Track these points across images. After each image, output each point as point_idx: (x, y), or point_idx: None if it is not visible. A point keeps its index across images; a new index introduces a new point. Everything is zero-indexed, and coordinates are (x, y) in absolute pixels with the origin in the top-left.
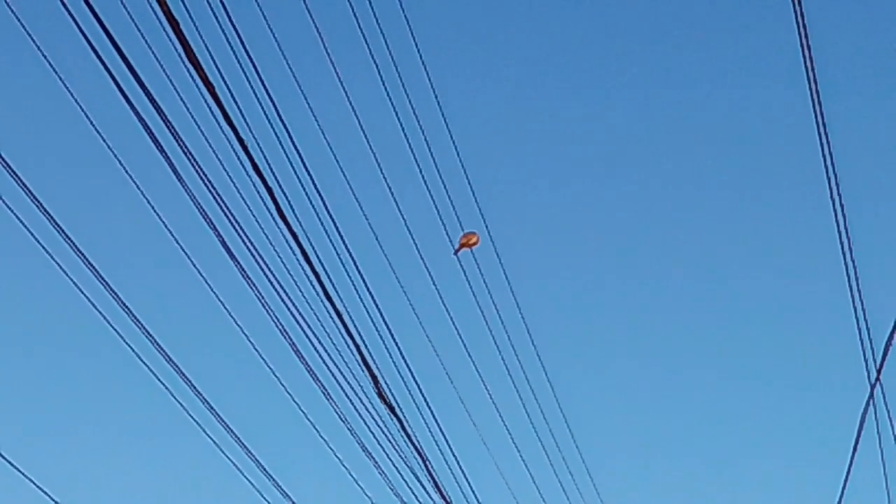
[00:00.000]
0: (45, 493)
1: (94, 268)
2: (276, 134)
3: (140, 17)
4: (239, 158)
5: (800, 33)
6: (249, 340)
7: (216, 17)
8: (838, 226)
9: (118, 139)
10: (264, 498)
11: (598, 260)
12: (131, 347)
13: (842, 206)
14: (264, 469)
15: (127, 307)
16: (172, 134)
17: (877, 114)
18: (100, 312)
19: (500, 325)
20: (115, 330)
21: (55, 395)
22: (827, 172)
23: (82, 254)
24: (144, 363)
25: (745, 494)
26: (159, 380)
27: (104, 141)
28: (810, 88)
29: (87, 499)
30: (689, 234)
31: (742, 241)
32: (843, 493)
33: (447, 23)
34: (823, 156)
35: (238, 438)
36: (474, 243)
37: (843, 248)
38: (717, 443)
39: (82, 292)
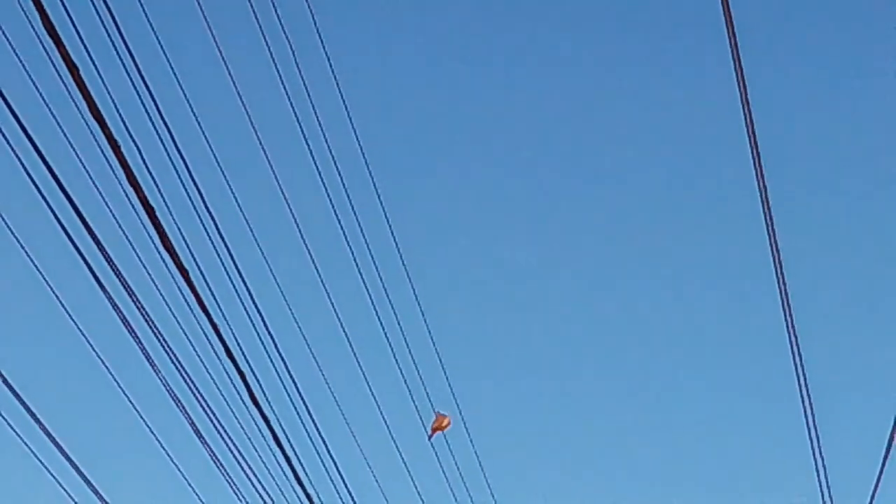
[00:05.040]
0: None
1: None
2: (250, 318)
3: (117, 207)
4: (211, 343)
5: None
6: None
7: (192, 204)
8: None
9: (91, 323)
10: None
11: (572, 439)
12: None
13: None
14: None
15: None
16: (145, 318)
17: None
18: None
19: None
20: None
21: None
22: (798, 379)
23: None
24: None
25: None
26: None
27: (75, 323)
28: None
29: None
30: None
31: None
32: None
33: (424, 206)
34: (795, 365)
35: None
36: (447, 426)
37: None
38: None
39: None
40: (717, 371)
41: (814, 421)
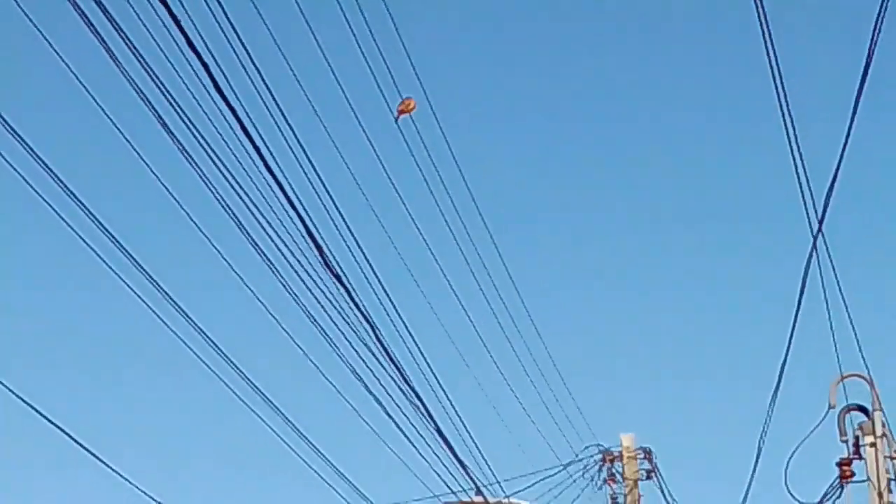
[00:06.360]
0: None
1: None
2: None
3: None
4: (172, 36)
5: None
6: (191, 219)
7: None
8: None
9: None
10: (218, 376)
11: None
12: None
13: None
14: (216, 347)
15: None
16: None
17: None
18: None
19: (445, 192)
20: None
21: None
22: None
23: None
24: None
25: (696, 345)
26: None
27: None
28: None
29: None
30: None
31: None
32: (790, 344)
33: None
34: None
35: (187, 316)
36: (412, 108)
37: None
38: (662, 294)
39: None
40: None
41: None
